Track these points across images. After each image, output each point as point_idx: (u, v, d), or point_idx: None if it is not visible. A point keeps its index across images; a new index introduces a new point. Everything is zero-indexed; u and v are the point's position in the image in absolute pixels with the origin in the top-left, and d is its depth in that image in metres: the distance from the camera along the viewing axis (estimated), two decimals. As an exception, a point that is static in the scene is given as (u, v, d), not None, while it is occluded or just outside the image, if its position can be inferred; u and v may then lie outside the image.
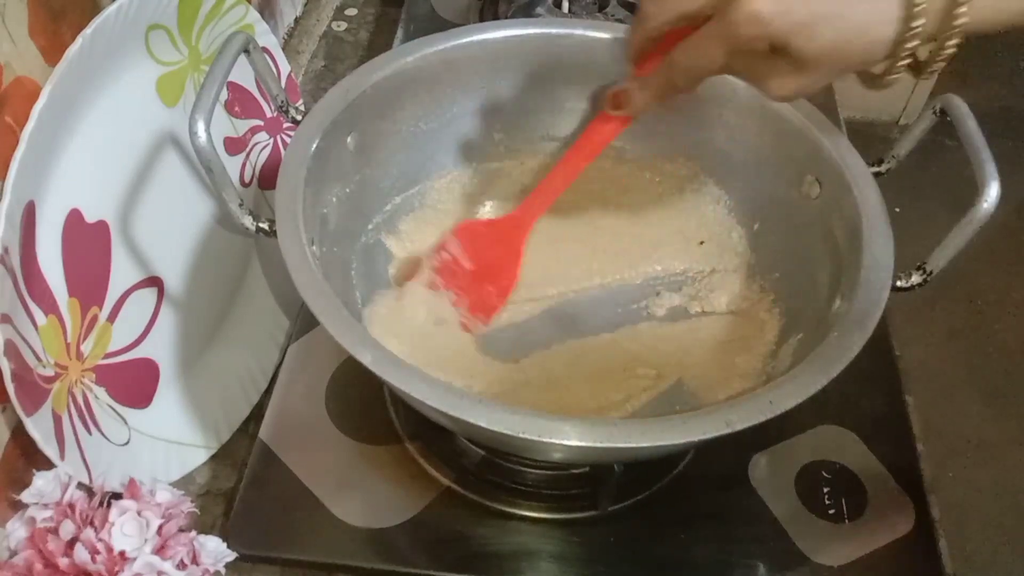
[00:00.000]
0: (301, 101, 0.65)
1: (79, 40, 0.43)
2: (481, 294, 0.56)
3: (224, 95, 0.58)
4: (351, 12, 0.90)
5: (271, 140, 0.63)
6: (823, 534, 0.51)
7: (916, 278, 0.47)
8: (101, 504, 0.44)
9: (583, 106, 0.60)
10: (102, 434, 0.48)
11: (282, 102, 0.53)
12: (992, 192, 0.44)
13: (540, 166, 0.62)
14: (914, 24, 0.37)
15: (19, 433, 0.44)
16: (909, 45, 0.38)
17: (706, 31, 0.40)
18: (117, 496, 0.46)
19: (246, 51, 0.48)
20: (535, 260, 0.58)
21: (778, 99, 0.42)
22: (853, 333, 0.42)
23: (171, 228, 0.54)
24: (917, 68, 0.40)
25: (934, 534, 0.52)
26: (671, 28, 0.43)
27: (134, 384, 0.52)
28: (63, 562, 0.42)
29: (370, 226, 0.56)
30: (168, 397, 0.54)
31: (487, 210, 0.62)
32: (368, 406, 0.56)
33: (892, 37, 0.38)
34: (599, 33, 0.58)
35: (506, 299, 0.56)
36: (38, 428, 0.42)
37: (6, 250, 0.40)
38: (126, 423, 0.50)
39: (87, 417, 0.47)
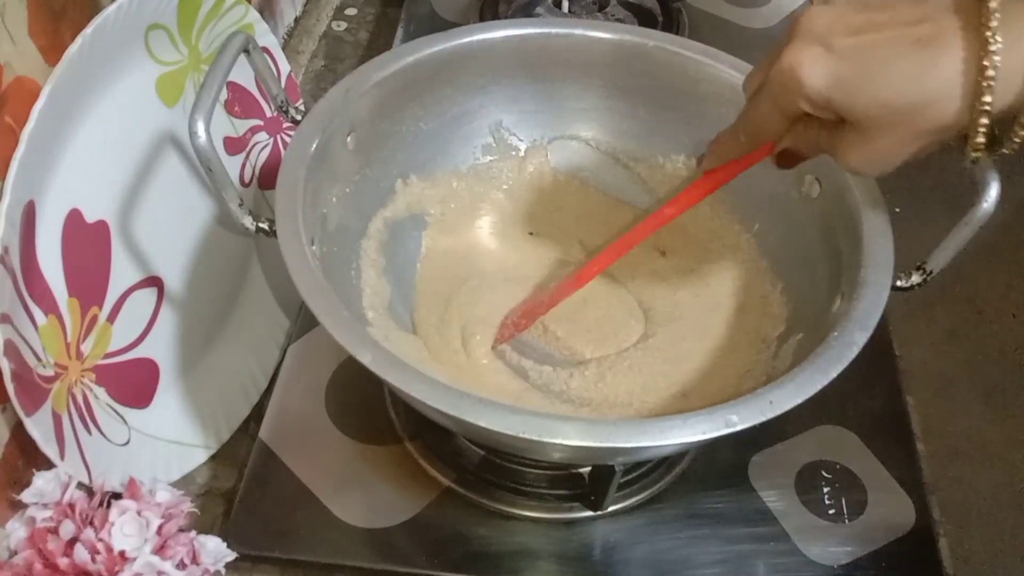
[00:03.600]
0: (301, 101, 0.65)
1: (79, 40, 0.43)
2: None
3: (224, 95, 0.58)
4: (351, 12, 0.90)
5: (271, 140, 0.63)
6: (823, 534, 0.51)
7: (916, 278, 0.47)
8: (101, 504, 0.44)
9: (583, 106, 0.60)
10: (102, 434, 0.48)
11: (282, 102, 0.53)
12: (992, 192, 0.43)
13: (540, 166, 0.62)
14: (983, 98, 0.33)
15: (19, 433, 0.44)
16: (982, 121, 0.34)
17: (760, 92, 0.39)
18: (117, 496, 0.46)
19: (246, 51, 0.48)
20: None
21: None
22: (853, 333, 0.42)
23: (171, 228, 0.54)
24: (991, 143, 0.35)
25: (934, 534, 0.52)
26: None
27: (134, 384, 0.52)
28: (63, 562, 0.42)
29: (367, 224, 0.56)
30: (168, 397, 0.54)
31: (487, 210, 0.62)
32: (368, 406, 0.56)
33: (957, 105, 0.34)
34: (599, 33, 0.58)
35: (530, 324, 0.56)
36: (38, 428, 0.42)
37: (6, 250, 0.40)
38: (126, 423, 0.50)
39: (87, 417, 0.47)
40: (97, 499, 0.44)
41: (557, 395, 0.53)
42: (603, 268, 0.54)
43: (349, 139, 0.52)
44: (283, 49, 0.69)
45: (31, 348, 0.42)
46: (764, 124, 0.41)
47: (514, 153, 0.62)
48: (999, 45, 0.33)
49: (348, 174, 0.53)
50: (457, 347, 0.55)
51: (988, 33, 0.33)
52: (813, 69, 0.36)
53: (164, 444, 0.53)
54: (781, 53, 0.37)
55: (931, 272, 0.46)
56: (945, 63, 0.34)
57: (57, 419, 0.44)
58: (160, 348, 0.53)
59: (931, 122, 0.35)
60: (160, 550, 0.44)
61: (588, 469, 0.52)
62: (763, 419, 0.39)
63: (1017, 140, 0.35)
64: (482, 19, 0.83)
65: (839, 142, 0.38)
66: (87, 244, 0.47)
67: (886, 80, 0.35)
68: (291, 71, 0.64)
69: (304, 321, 0.61)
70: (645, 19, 0.82)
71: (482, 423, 0.38)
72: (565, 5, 0.81)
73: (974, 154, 0.35)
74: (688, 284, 0.60)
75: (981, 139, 0.35)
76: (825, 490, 0.53)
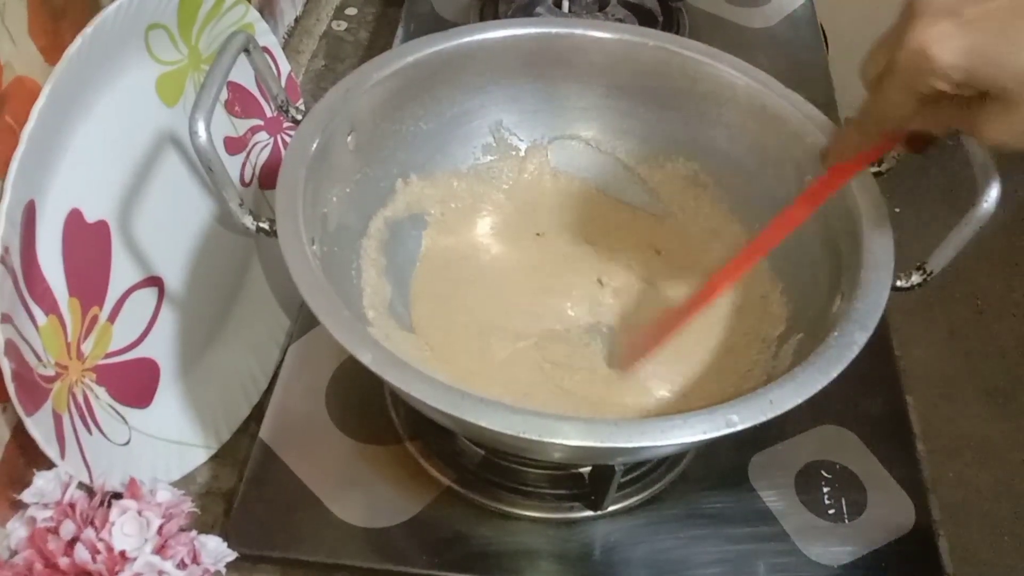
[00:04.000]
0: (301, 101, 0.65)
1: (79, 40, 0.43)
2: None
3: (224, 95, 0.58)
4: (351, 12, 0.90)
5: (271, 140, 0.63)
6: (823, 534, 0.51)
7: (916, 278, 0.47)
8: (101, 504, 0.44)
9: (583, 105, 0.60)
10: (102, 434, 0.48)
11: (282, 102, 0.53)
12: (992, 192, 0.44)
13: (540, 166, 0.62)
14: None
15: (19, 433, 0.44)
16: None
17: (886, 78, 0.38)
18: (117, 496, 0.46)
19: (246, 51, 0.48)
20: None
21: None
22: (854, 333, 0.42)
23: (171, 228, 0.54)
24: None
25: (934, 534, 0.52)
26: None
27: (134, 384, 0.52)
28: (63, 562, 0.42)
29: (367, 224, 0.56)
30: (168, 397, 0.54)
31: (487, 210, 0.62)
32: (368, 406, 0.56)
33: None
34: (599, 33, 0.58)
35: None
36: (38, 428, 0.42)
37: (6, 250, 0.40)
38: (126, 423, 0.50)
39: (87, 417, 0.47)
40: (97, 499, 0.44)
41: (566, 392, 0.53)
42: (735, 278, 0.52)
43: (349, 139, 0.52)
44: (283, 49, 0.69)
45: (31, 348, 0.42)
46: (894, 110, 0.38)
47: (514, 153, 0.62)
48: None
49: (348, 174, 0.53)
50: (466, 348, 0.55)
51: None
52: (948, 45, 0.34)
53: (164, 444, 0.53)
54: (905, 34, 0.35)
55: (931, 272, 0.46)
56: None
57: (58, 419, 0.44)
58: (160, 348, 0.53)
59: None
60: (160, 550, 0.44)
61: (588, 469, 0.52)
62: (763, 419, 0.39)
63: None
64: (482, 19, 0.83)
65: (979, 117, 0.36)
66: (87, 244, 0.47)
67: None
68: (291, 71, 0.64)
69: (304, 321, 0.61)
70: (645, 19, 0.82)
71: (482, 423, 0.38)
72: (565, 5, 0.81)
73: None
74: (687, 284, 0.60)
75: None
76: (825, 490, 0.53)
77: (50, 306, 0.44)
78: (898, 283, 0.46)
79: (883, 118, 0.40)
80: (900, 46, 0.36)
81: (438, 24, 0.83)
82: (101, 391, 0.48)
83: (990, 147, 0.38)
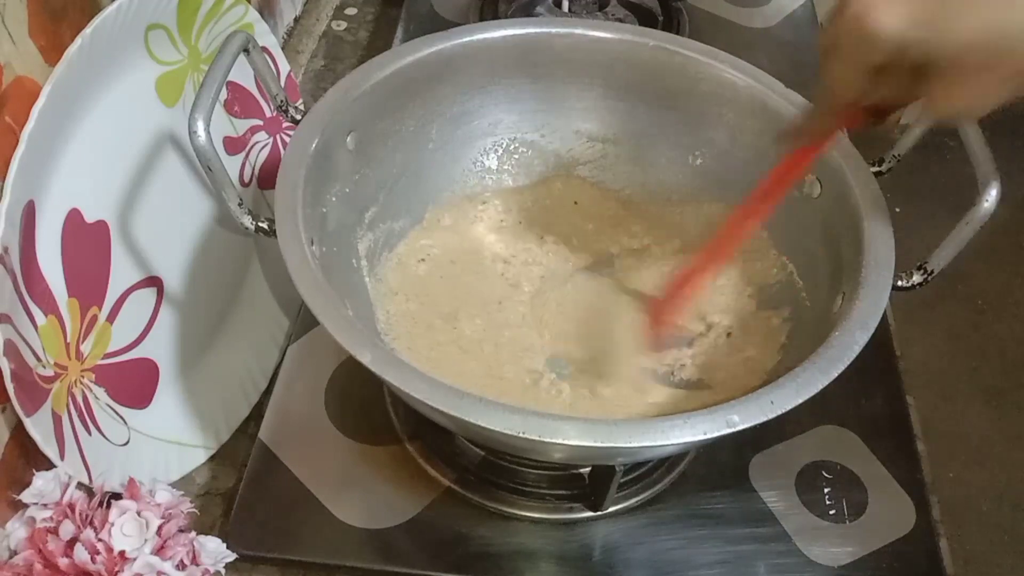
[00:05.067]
0: (301, 101, 0.64)
1: (79, 40, 0.43)
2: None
3: (224, 95, 0.58)
4: (351, 12, 0.90)
5: (271, 140, 0.63)
6: (823, 534, 0.51)
7: (917, 278, 0.47)
8: (101, 504, 0.44)
9: (583, 105, 0.60)
10: (102, 434, 0.48)
11: (281, 101, 0.53)
12: (992, 191, 0.44)
13: (540, 166, 0.62)
14: None
15: (19, 433, 0.44)
16: None
17: (832, 51, 0.36)
18: (117, 496, 0.46)
19: (245, 50, 0.48)
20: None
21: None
22: (854, 332, 0.42)
23: (171, 228, 0.54)
24: None
25: (934, 534, 0.52)
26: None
27: (134, 384, 0.52)
28: (63, 562, 0.42)
29: (367, 225, 0.56)
30: (168, 397, 0.54)
31: (487, 209, 0.62)
32: (368, 406, 0.56)
33: None
34: (599, 32, 0.58)
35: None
36: (38, 428, 0.42)
37: (6, 250, 0.40)
38: (126, 423, 0.50)
39: (87, 417, 0.47)
40: (97, 499, 0.44)
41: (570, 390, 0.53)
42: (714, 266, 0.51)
43: (349, 139, 0.52)
44: (283, 49, 0.69)
45: (31, 348, 0.42)
46: (845, 84, 0.37)
47: (514, 153, 0.62)
48: None
49: (347, 174, 0.53)
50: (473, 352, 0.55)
51: None
52: (886, 13, 0.33)
53: (164, 444, 0.53)
54: (846, 5, 0.34)
55: (932, 272, 0.46)
56: None
57: (57, 419, 0.44)
58: (160, 348, 0.53)
59: None
60: (160, 550, 0.44)
61: (588, 469, 0.52)
62: (764, 419, 0.39)
63: None
64: (482, 18, 0.83)
65: (926, 88, 0.35)
66: (87, 244, 0.47)
67: (972, 13, 0.32)
68: (291, 71, 0.64)
69: (304, 321, 0.61)
70: (645, 19, 0.82)
71: (482, 423, 0.38)
72: (565, 5, 0.81)
73: None
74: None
75: None
76: (826, 490, 0.53)
77: (49, 306, 0.44)
78: (899, 283, 0.46)
79: (836, 93, 0.38)
80: (841, 16, 0.35)
81: (438, 24, 0.83)
82: (100, 391, 0.48)
83: (943, 119, 0.37)
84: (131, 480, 0.46)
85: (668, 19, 0.83)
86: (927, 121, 0.49)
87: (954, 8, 0.32)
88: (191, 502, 0.47)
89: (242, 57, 0.48)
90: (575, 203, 0.62)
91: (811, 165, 0.45)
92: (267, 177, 0.62)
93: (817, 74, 0.39)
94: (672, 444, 0.39)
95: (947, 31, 0.32)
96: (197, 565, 0.45)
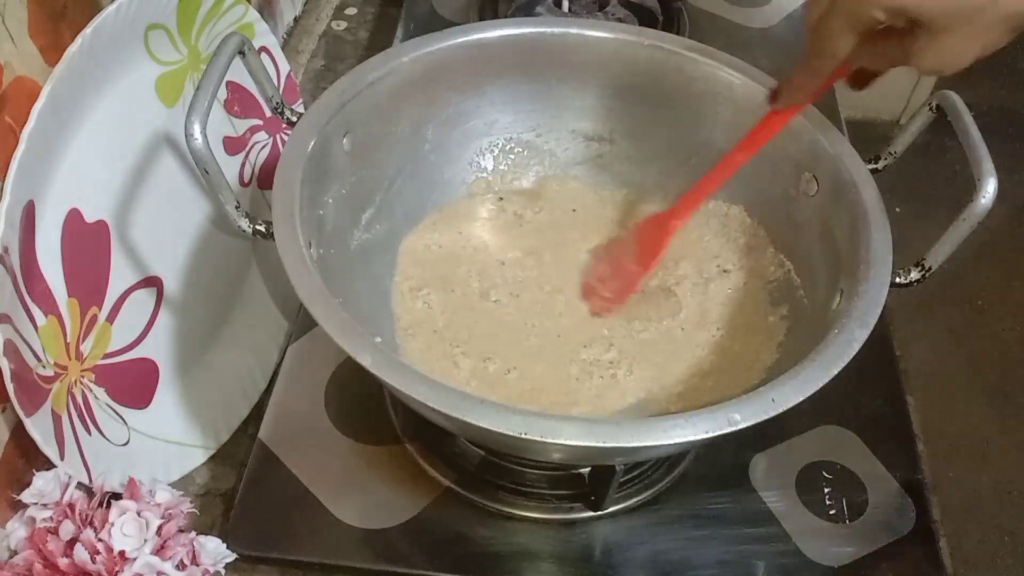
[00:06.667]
0: (300, 101, 0.65)
1: (79, 40, 0.43)
2: (617, 282, 0.57)
3: (223, 94, 0.58)
4: (351, 11, 0.90)
5: (270, 139, 0.63)
6: (823, 534, 0.51)
7: (915, 274, 0.47)
8: (101, 504, 0.44)
9: (580, 105, 0.60)
10: (102, 434, 0.48)
11: (277, 104, 0.52)
12: (990, 187, 0.43)
13: (538, 166, 0.62)
14: None
15: (19, 433, 0.44)
16: None
17: (829, 16, 0.40)
18: (117, 496, 0.46)
19: (241, 53, 0.47)
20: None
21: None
22: (854, 330, 0.42)
23: (170, 228, 0.54)
24: None
25: (934, 534, 0.52)
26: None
27: (134, 384, 0.52)
28: (63, 562, 0.42)
29: (364, 226, 0.56)
30: (168, 397, 0.54)
31: (485, 210, 0.62)
32: (368, 406, 0.56)
33: None
34: (599, 32, 0.58)
35: (640, 282, 0.57)
36: (38, 428, 0.42)
37: (6, 250, 0.40)
38: (126, 423, 0.50)
39: (87, 417, 0.47)
40: (97, 499, 0.44)
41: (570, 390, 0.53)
42: (688, 213, 0.55)
43: (345, 141, 0.52)
44: (283, 49, 0.69)
45: (31, 348, 0.42)
46: (837, 48, 0.40)
47: (510, 153, 0.62)
48: None
49: (344, 176, 0.52)
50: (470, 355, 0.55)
51: None
52: None
53: (164, 444, 0.53)
54: None
55: (930, 268, 0.46)
56: None
57: (57, 419, 0.44)
58: (159, 348, 0.53)
59: (1003, 8, 0.36)
60: (160, 551, 0.44)
61: (588, 469, 0.52)
62: (765, 417, 0.39)
63: None
64: (481, 18, 0.83)
65: (912, 48, 0.39)
66: (87, 244, 0.47)
67: None
68: (291, 71, 0.64)
69: (304, 321, 0.61)
70: (645, 18, 0.82)
71: (482, 424, 0.38)
72: (565, 4, 0.81)
73: None
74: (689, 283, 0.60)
75: None
76: (826, 490, 0.53)
77: (49, 306, 0.44)
78: (897, 279, 0.46)
79: (828, 56, 0.42)
80: None
81: (438, 24, 0.83)
82: (100, 391, 0.48)
83: (926, 74, 0.40)
84: (131, 480, 0.46)
85: (668, 19, 0.83)
86: (924, 120, 0.49)
87: None
88: (191, 502, 0.47)
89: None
90: (571, 204, 0.62)
91: (788, 122, 0.49)
92: (267, 177, 0.62)
93: (806, 35, 0.42)
94: (673, 443, 0.39)
95: None
96: (197, 565, 0.45)
